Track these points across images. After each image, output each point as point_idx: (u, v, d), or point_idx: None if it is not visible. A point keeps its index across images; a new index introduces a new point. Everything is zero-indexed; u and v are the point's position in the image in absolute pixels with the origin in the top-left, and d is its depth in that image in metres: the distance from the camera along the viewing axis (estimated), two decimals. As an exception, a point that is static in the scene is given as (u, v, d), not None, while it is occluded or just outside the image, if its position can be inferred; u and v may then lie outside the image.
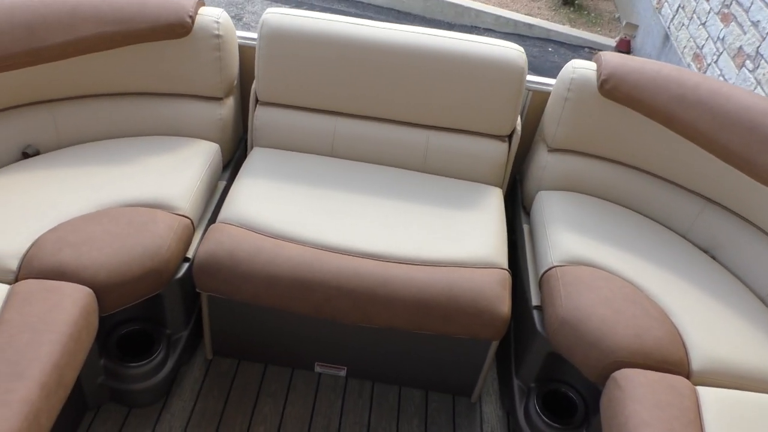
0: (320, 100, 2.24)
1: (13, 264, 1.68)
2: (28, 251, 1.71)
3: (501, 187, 2.31)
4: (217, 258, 1.82)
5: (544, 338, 1.86)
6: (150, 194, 1.95)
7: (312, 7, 6.67)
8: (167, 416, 1.99)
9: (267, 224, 1.93)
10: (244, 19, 6.17)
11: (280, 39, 2.15)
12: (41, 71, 2.03)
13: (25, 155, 2.06)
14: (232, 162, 2.42)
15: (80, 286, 1.64)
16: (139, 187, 1.97)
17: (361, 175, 2.20)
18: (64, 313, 1.55)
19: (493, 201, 2.17)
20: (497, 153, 2.25)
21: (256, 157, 2.23)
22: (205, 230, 2.05)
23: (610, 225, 2.10)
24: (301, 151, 2.29)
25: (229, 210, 1.98)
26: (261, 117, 2.28)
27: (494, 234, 2.02)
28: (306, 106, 2.26)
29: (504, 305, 1.81)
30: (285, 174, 2.15)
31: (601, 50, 6.69)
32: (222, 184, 2.30)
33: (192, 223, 1.97)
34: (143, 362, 1.90)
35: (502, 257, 1.96)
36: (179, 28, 2.08)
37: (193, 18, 2.11)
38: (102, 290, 1.68)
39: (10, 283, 1.67)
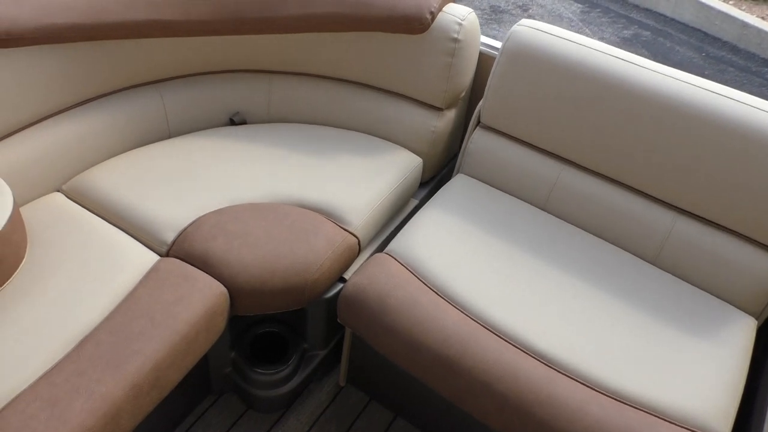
0: (550, 140, 1.83)
1: (170, 237, 1.63)
2: (186, 228, 1.64)
3: (757, 318, 1.69)
4: (365, 296, 1.57)
5: None
6: (326, 199, 1.76)
7: (606, 11, 6.01)
8: (278, 432, 1.85)
9: (435, 271, 1.62)
10: (530, 11, 5.78)
11: (524, 57, 1.78)
12: (267, 41, 1.95)
13: (232, 122, 2.02)
14: (434, 180, 2.14)
15: (216, 282, 1.52)
16: (318, 186, 1.80)
17: (570, 245, 1.76)
18: (189, 310, 1.44)
19: (740, 334, 1.58)
20: (766, 271, 1.64)
21: (456, 185, 1.92)
22: (374, 253, 1.82)
23: None
24: (510, 194, 1.92)
25: (402, 240, 1.72)
26: (477, 141, 1.95)
27: (723, 383, 1.46)
28: (532, 142, 1.87)
29: (701, 498, 1.28)
30: (482, 216, 1.81)
31: None
32: (414, 203, 2.04)
33: (359, 242, 1.75)
34: (270, 371, 1.76)
35: (722, 422, 1.40)
36: (416, 23, 1.83)
37: (434, 15, 1.84)
38: (237, 292, 1.55)
39: (161, 255, 1.62)
